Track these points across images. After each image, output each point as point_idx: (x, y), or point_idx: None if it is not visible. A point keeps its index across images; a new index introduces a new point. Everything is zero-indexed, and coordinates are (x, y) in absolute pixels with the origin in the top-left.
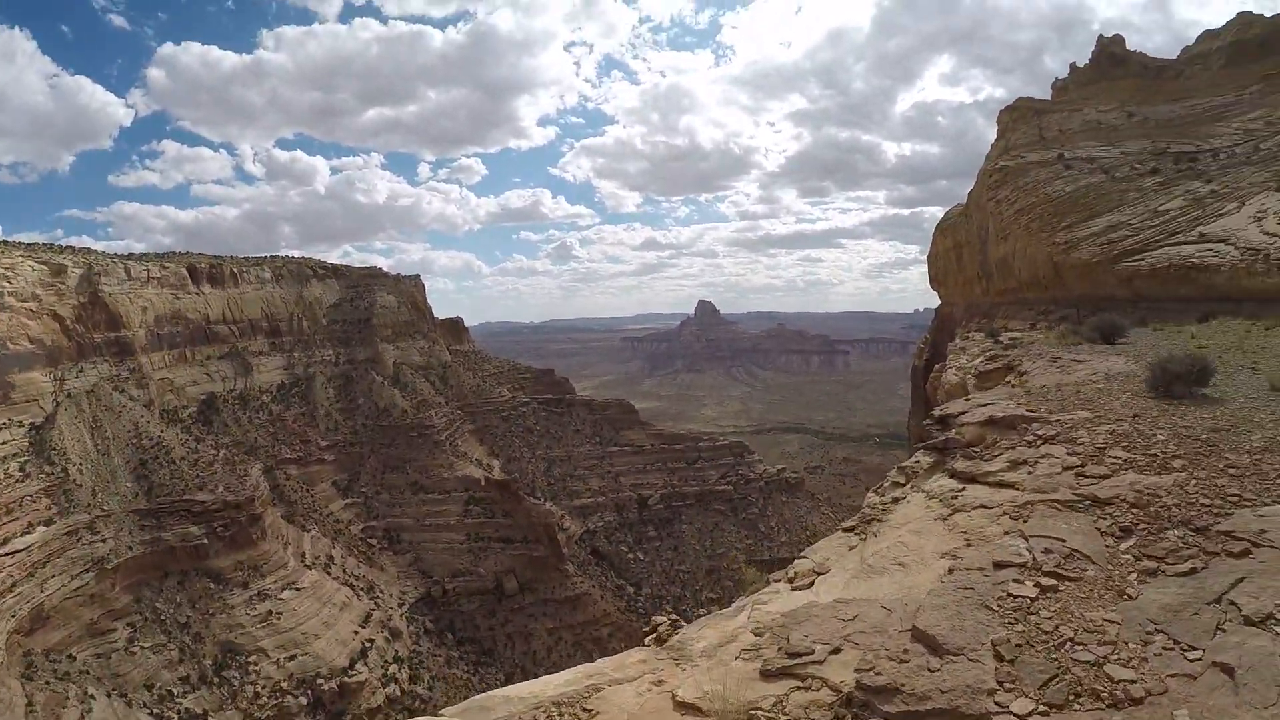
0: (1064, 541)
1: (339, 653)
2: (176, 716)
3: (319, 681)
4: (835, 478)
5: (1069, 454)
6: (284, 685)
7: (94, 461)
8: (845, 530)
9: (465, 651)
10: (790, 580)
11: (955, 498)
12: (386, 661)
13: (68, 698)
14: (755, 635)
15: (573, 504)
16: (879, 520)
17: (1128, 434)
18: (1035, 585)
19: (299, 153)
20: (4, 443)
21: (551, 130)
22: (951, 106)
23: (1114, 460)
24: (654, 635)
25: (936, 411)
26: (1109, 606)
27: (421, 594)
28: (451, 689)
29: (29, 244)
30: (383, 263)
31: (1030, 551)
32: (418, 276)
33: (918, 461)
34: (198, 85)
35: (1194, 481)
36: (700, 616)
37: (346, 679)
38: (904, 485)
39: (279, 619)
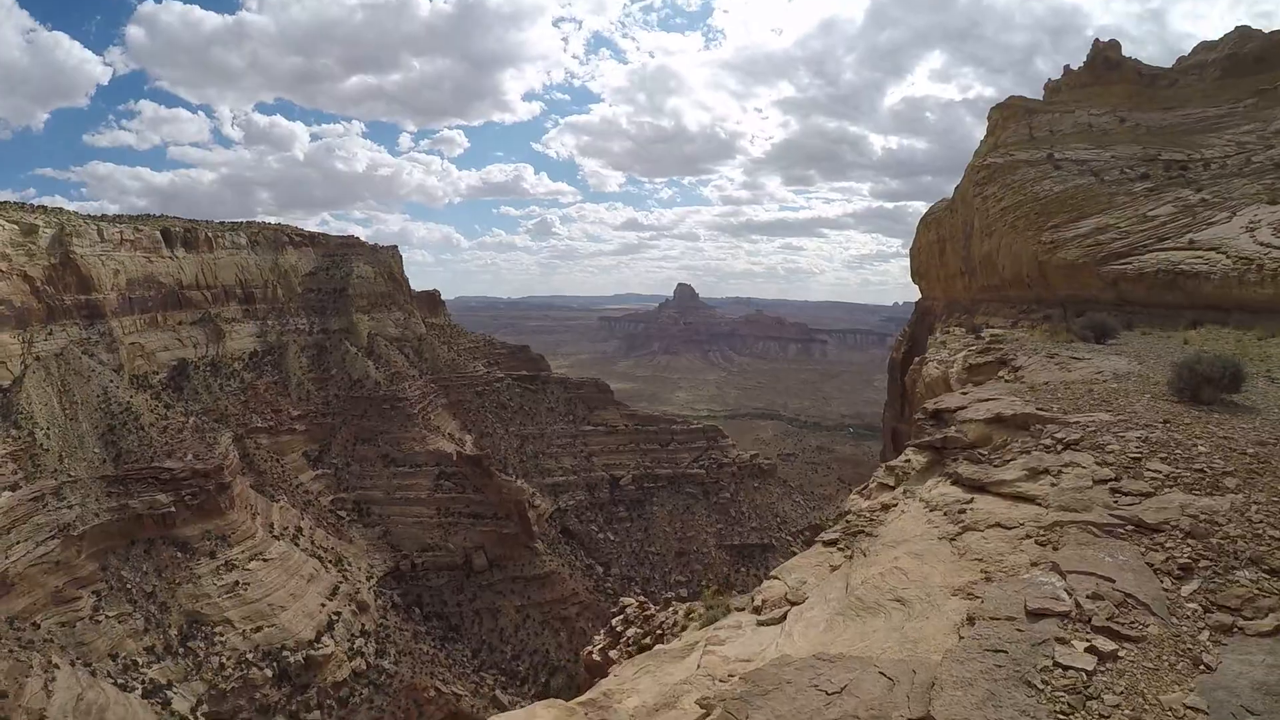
0: (1112, 582)
1: (306, 625)
2: (141, 686)
3: (285, 654)
4: (808, 465)
5: (1098, 463)
6: (250, 657)
7: (62, 426)
8: (826, 545)
9: (433, 627)
10: (757, 610)
11: (963, 512)
12: (353, 635)
13: (31, 666)
14: (701, 708)
15: (544, 482)
16: (867, 533)
17: (1163, 442)
18: (1089, 649)
19: (279, 118)
20: None
21: (536, 105)
22: (940, 103)
23: (1154, 474)
24: (588, 673)
25: (930, 405)
26: (1186, 683)
27: (390, 568)
28: (418, 664)
29: (0, 202)
30: (361, 232)
31: (1070, 594)
32: (395, 248)
33: (909, 461)
34: (177, 45)
35: (1255, 507)
36: (650, 634)
37: (313, 651)
38: (894, 488)
39: (246, 590)
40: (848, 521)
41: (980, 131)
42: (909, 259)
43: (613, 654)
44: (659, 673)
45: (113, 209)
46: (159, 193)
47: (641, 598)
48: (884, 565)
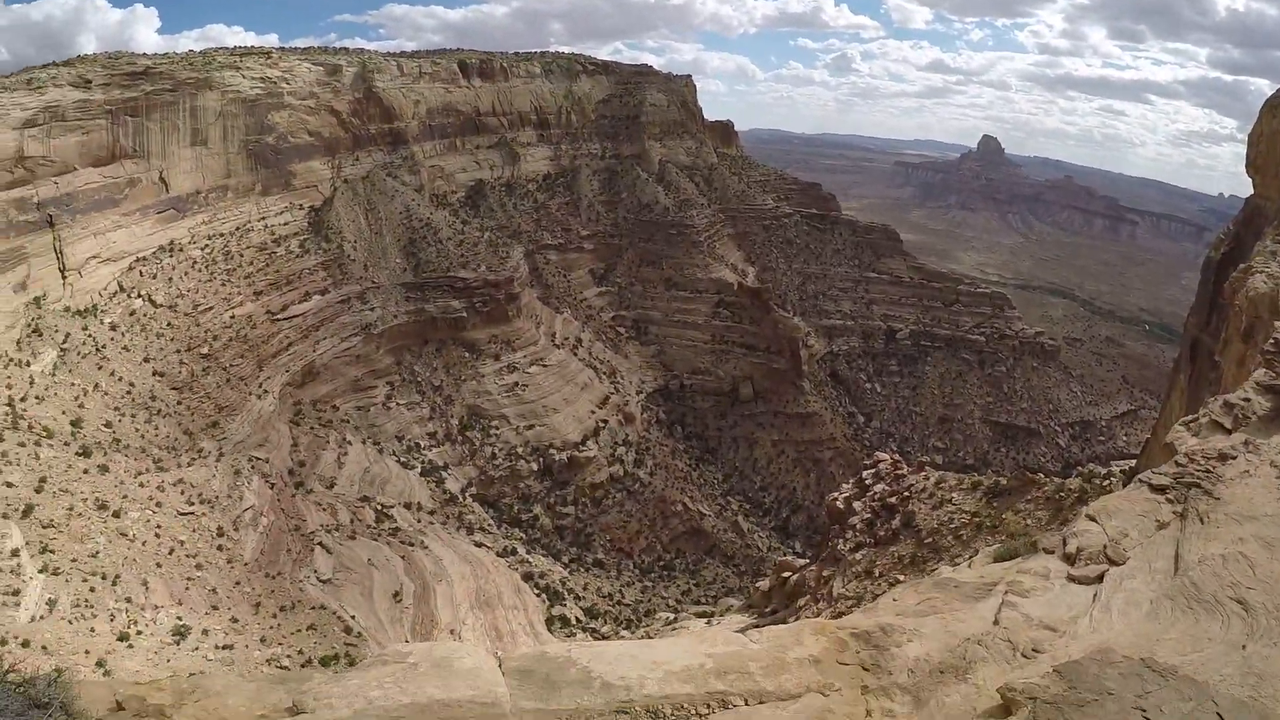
0: None
1: (574, 428)
2: (420, 465)
3: (551, 452)
4: (1093, 355)
5: None
6: (519, 451)
7: (367, 240)
8: (1154, 490)
9: (690, 446)
10: (1069, 558)
11: None
12: (616, 443)
13: (328, 441)
14: (1003, 699)
15: (820, 323)
16: (1205, 490)
17: None
18: None
19: None
20: (286, 223)
21: None
22: None
23: None
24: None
25: None
26: None
27: (659, 386)
28: (671, 478)
29: (305, 48)
30: (654, 61)
31: None
32: (689, 77)
33: (1248, 401)
34: None
35: None
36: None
37: (577, 453)
38: (1230, 432)
39: (523, 391)
40: (1178, 465)
41: None
42: (1245, 146)
43: (856, 505)
44: (948, 614)
45: (409, 46)
46: (453, 28)
47: (896, 456)
48: (1225, 544)
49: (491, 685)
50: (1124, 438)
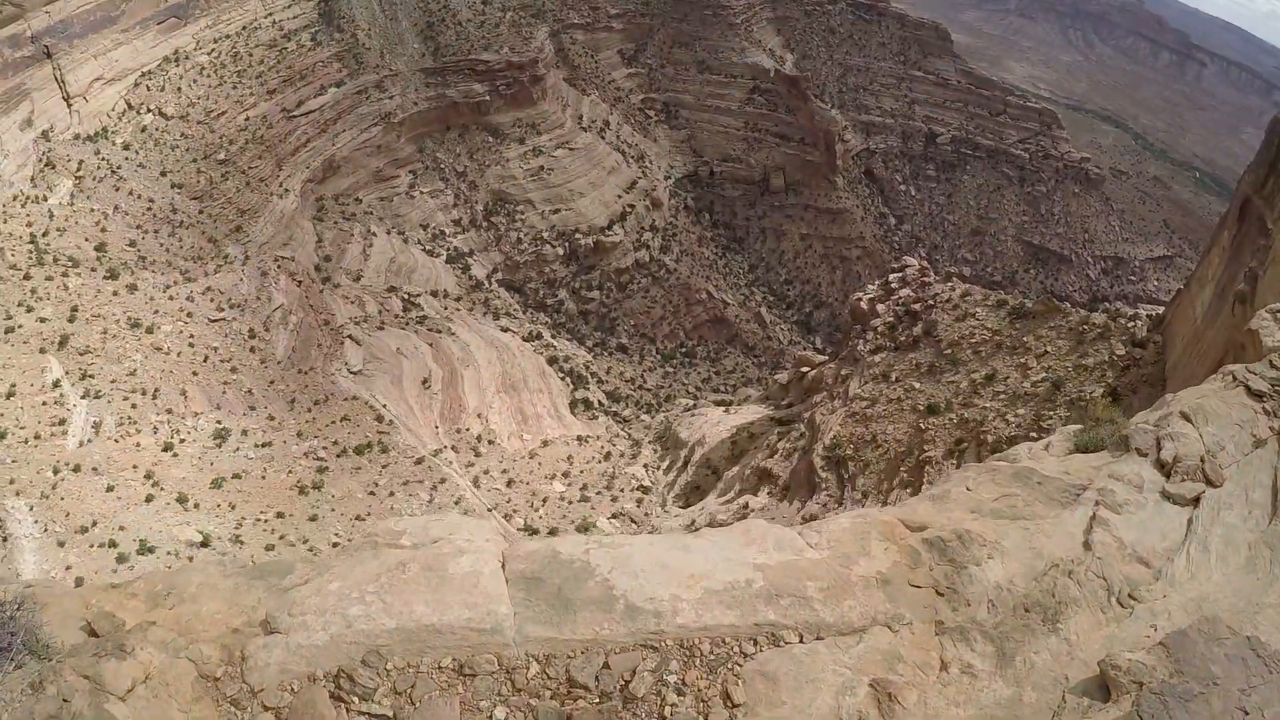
0: None
1: (600, 213)
2: (446, 253)
3: (577, 236)
4: (1138, 193)
5: None
6: (544, 235)
7: (381, 26)
8: (1251, 395)
9: (718, 234)
10: (1163, 466)
11: None
12: (643, 229)
13: (352, 234)
14: (1103, 675)
15: (859, 118)
16: None
17: None
18: None
19: None
20: (294, 17)
21: None
22: None
23: None
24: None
25: None
26: None
27: (688, 171)
28: (696, 265)
29: None
30: None
31: None
32: None
33: None
34: None
35: None
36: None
37: (603, 237)
38: None
39: (549, 175)
40: (1275, 369)
41: None
42: None
43: (880, 307)
44: (1032, 523)
45: None
46: None
47: (925, 263)
48: None
49: (492, 601)
50: (1155, 282)
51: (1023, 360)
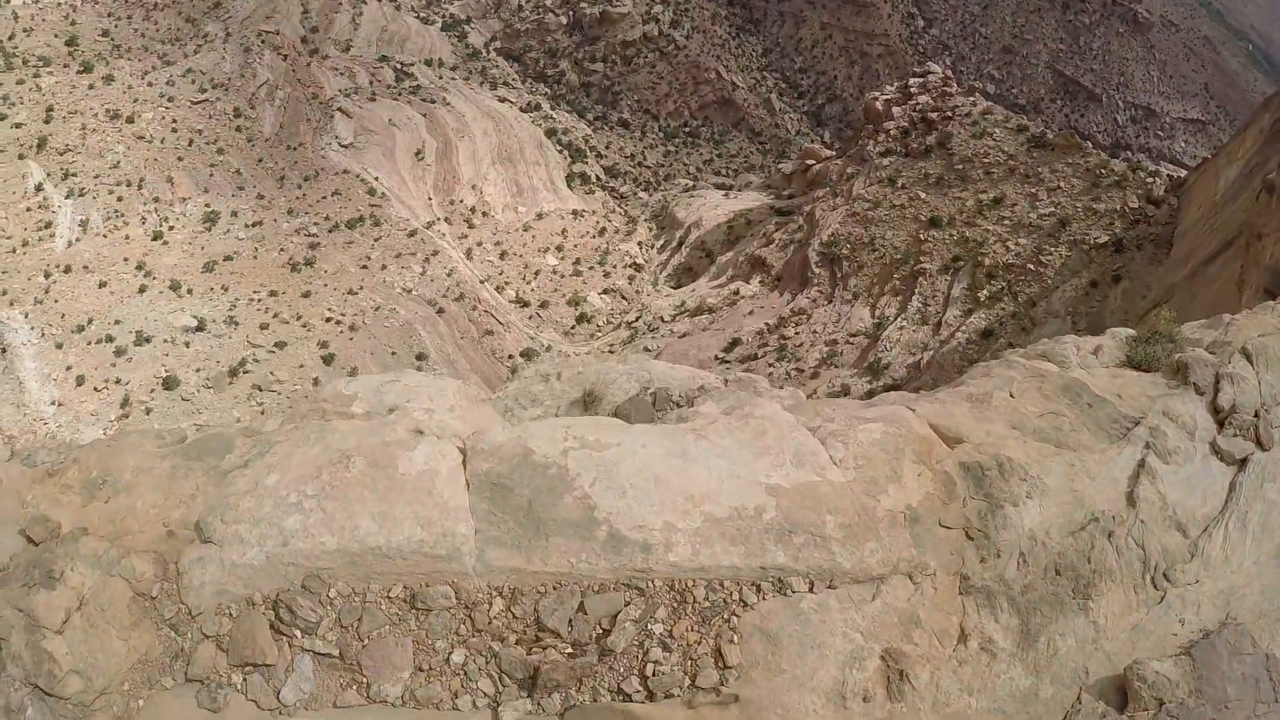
0: None
1: None
2: (441, 19)
3: (582, 5)
4: (1184, 48)
5: None
6: (547, 3)
7: None
8: None
9: (733, 13)
10: (1217, 413)
11: None
12: (653, 1)
13: (340, 2)
14: (1125, 681)
15: None
16: None
17: None
18: None
19: None
20: None
21: None
22: None
23: None
24: None
25: None
26: None
27: None
28: (708, 44)
29: None
30: None
31: None
32: None
33: None
34: None
35: None
36: None
37: (610, 8)
38: None
39: None
40: None
41: None
42: None
43: (895, 110)
44: (1077, 461)
45: None
46: None
47: (949, 73)
48: None
49: (449, 516)
50: (1183, 143)
51: (1033, 190)
